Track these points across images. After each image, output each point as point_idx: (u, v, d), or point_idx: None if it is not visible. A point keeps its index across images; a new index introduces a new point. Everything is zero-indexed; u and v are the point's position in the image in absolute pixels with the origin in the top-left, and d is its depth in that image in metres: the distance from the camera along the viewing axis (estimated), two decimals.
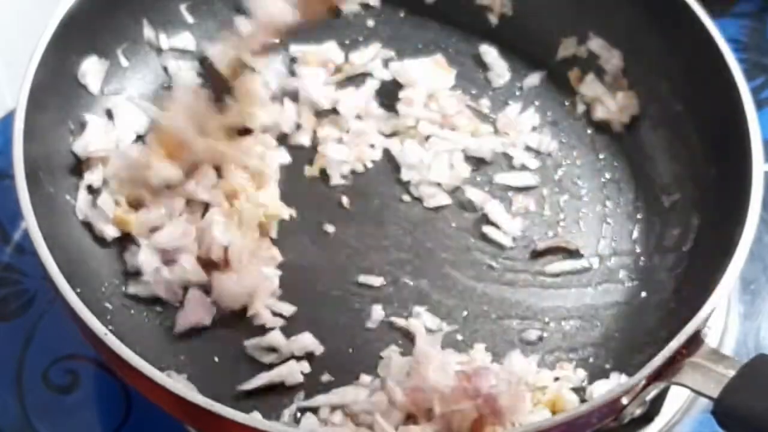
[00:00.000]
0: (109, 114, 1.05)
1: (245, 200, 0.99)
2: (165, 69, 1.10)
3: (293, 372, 0.92)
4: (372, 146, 1.07)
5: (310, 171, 1.06)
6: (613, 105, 1.08)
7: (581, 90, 1.10)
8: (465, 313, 0.97)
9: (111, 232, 0.98)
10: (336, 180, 1.05)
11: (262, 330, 0.95)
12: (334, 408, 0.91)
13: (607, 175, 1.06)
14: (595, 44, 1.11)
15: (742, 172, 0.92)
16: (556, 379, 0.93)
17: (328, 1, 1.01)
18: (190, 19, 1.12)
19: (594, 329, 0.97)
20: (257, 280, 0.96)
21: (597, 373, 0.94)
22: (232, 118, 1.00)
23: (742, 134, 0.94)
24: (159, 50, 1.10)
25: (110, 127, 1.04)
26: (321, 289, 0.99)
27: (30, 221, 0.88)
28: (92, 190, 1.00)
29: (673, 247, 0.99)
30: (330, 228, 1.02)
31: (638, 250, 1.01)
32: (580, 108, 1.10)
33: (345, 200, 1.04)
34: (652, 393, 0.85)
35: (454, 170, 1.05)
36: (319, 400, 0.91)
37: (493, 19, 1.15)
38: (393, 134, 1.08)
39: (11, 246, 1.10)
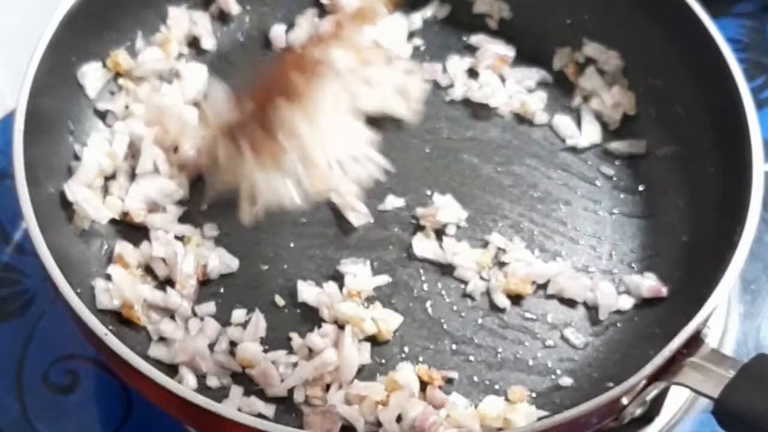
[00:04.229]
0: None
1: None
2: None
3: None
4: None
5: None
6: (609, 99, 1.08)
7: (581, 83, 1.10)
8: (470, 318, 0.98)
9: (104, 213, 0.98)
10: None
11: None
12: None
13: (608, 175, 1.06)
14: (591, 49, 1.10)
15: (742, 172, 0.92)
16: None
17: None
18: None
19: (593, 329, 0.97)
20: None
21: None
22: None
23: (742, 134, 0.94)
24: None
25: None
26: None
27: (30, 221, 0.88)
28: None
29: (673, 247, 0.99)
30: None
31: (638, 249, 1.01)
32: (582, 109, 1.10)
33: None
34: (652, 393, 0.85)
35: None
36: None
37: (493, 24, 1.15)
38: None
39: (11, 246, 1.10)
